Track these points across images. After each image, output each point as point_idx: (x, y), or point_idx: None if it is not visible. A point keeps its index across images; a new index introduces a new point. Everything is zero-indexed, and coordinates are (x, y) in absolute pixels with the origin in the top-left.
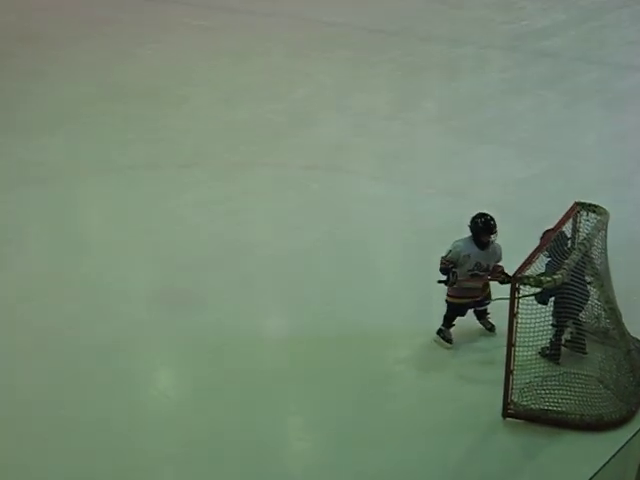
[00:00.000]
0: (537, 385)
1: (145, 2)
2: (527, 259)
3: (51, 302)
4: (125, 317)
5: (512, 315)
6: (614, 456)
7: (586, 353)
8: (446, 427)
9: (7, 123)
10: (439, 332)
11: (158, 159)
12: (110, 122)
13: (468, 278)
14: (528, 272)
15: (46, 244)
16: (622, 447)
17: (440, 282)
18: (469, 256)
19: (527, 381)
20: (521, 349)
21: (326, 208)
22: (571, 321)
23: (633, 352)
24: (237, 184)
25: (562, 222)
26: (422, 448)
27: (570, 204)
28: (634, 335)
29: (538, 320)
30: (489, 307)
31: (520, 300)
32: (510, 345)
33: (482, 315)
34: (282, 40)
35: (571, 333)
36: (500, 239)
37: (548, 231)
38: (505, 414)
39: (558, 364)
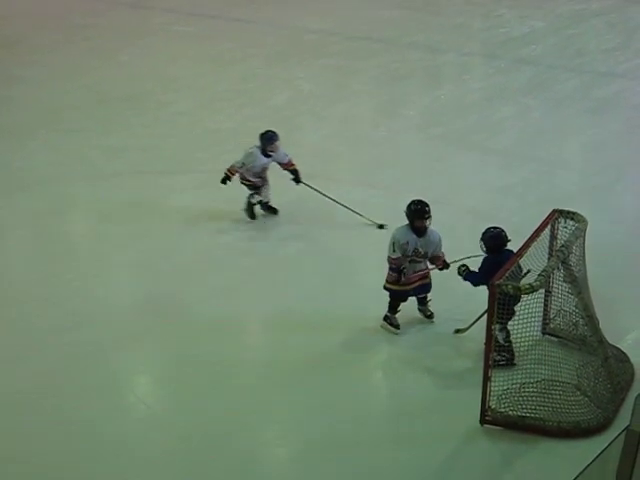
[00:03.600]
0: (515, 392)
1: (127, 8)
2: (505, 265)
3: (35, 308)
4: (109, 323)
5: (490, 322)
6: (591, 463)
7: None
8: (424, 434)
9: None
10: (385, 318)
11: (141, 166)
12: (92, 128)
13: (407, 264)
14: None
15: (30, 251)
16: (599, 454)
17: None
18: (407, 243)
19: (505, 388)
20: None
21: (309, 215)
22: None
23: (610, 359)
24: (221, 191)
25: (540, 229)
26: (399, 456)
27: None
28: (612, 343)
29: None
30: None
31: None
32: (488, 352)
33: (422, 302)
34: (264, 47)
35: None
36: None
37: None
38: (483, 421)
39: (514, 365)
